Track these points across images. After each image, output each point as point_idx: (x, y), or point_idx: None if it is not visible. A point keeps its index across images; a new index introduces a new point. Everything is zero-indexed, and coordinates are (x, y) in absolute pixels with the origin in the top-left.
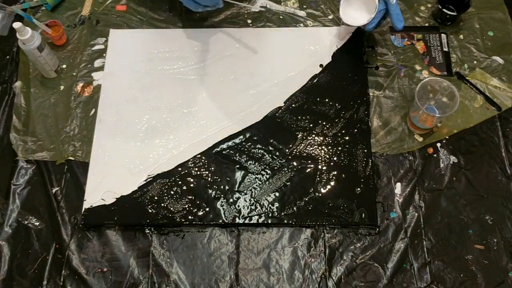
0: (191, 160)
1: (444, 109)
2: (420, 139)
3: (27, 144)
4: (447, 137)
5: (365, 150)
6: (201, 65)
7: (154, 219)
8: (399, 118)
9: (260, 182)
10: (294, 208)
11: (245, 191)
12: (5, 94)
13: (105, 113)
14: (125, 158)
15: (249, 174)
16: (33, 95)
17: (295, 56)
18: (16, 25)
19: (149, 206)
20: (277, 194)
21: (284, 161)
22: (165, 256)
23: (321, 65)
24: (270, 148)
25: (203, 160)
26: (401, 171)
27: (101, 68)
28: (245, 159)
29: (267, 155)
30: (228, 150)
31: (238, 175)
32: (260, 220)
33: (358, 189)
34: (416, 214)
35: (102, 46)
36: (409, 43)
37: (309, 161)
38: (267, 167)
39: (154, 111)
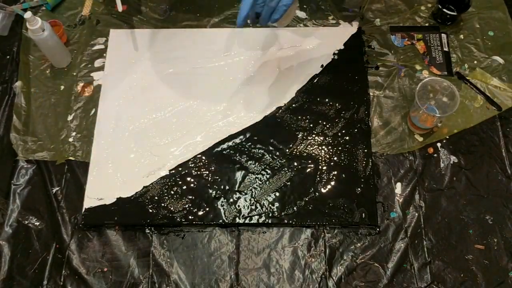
0: (191, 160)
1: (444, 109)
2: (420, 139)
3: (27, 144)
4: (447, 137)
5: (365, 150)
6: (201, 65)
7: (154, 219)
8: (399, 118)
9: (260, 182)
10: (294, 208)
11: (245, 191)
12: (5, 94)
13: (105, 113)
14: (125, 158)
15: (249, 174)
16: (33, 95)
17: (295, 56)
18: (27, 15)
19: (149, 206)
20: (277, 194)
21: (284, 161)
22: (165, 256)
23: (321, 65)
24: (270, 148)
25: (203, 160)
26: (401, 171)
27: (101, 68)
28: (245, 159)
29: (267, 155)
30: (228, 150)
31: (238, 175)
32: (260, 220)
33: (358, 189)
34: (416, 214)
35: (102, 46)
36: (409, 43)
37: (309, 161)
38: (267, 167)
39: (154, 111)
